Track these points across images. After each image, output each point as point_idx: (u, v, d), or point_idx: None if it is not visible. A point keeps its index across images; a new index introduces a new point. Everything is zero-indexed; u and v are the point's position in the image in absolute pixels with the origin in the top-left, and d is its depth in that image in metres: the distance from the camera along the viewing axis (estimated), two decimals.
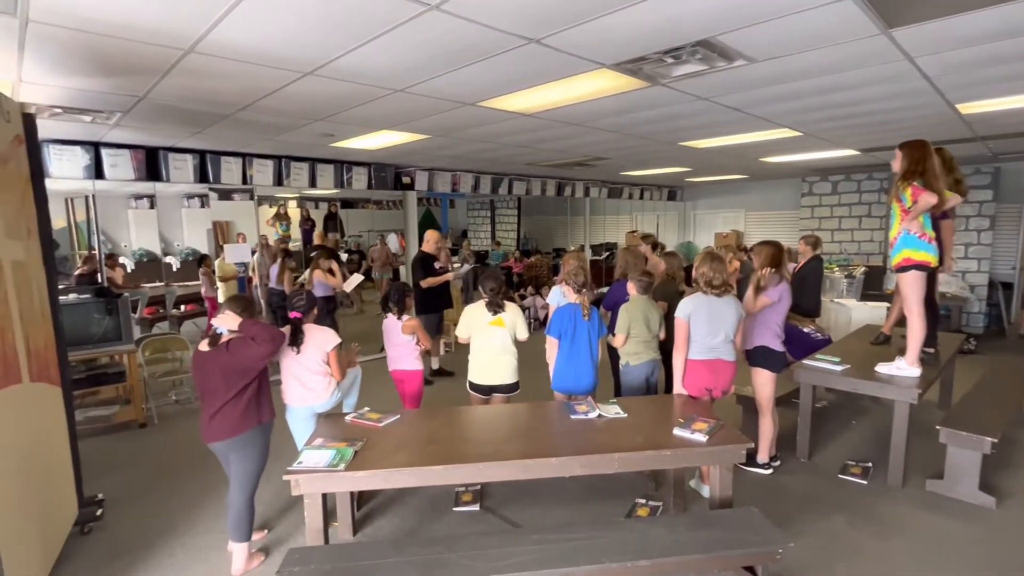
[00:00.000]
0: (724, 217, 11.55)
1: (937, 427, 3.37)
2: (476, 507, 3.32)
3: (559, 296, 3.88)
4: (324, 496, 2.53)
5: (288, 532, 3.12)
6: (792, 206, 10.13)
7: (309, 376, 3.05)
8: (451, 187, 7.91)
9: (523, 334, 3.61)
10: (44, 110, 3.65)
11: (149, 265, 8.01)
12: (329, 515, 2.68)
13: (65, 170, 4.83)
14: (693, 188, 11.83)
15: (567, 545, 2.20)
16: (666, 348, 3.59)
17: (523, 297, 9.25)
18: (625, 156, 6.68)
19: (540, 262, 10.27)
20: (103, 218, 6.92)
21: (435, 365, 6.08)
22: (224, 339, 2.64)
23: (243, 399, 2.64)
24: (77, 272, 6.38)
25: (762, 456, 3.69)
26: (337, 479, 2.42)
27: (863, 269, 7.69)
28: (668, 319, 3.68)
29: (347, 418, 3.03)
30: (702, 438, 2.64)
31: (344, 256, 9.42)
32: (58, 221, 7.14)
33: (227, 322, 2.65)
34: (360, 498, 3.34)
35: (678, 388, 3.33)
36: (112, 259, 6.86)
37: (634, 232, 11.67)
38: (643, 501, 3.31)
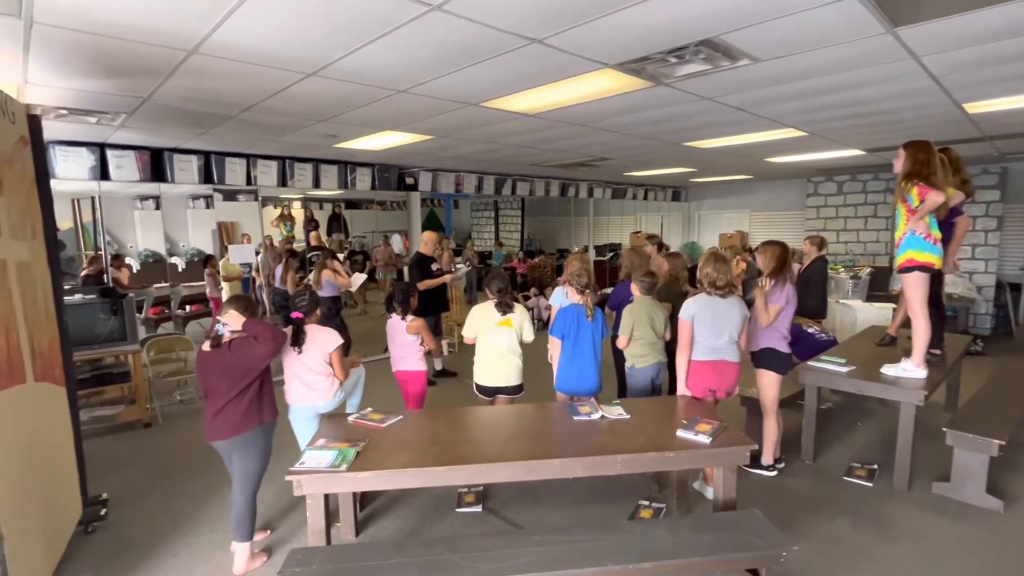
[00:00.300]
0: (728, 218, 11.51)
1: (943, 429, 3.34)
2: (478, 508, 3.31)
3: (561, 297, 3.87)
4: (326, 497, 2.53)
5: (290, 532, 3.12)
6: (797, 207, 10.08)
7: (312, 376, 3.05)
8: (455, 188, 7.91)
9: (529, 336, 3.60)
10: (49, 111, 3.67)
11: (155, 266, 8.04)
12: (331, 516, 2.68)
13: (71, 171, 4.85)
14: (697, 188, 11.80)
15: (570, 547, 2.18)
16: (671, 349, 3.58)
17: (527, 298, 9.24)
18: (629, 156, 6.66)
19: (544, 263, 10.26)
20: (109, 219, 6.97)
21: (438, 366, 6.07)
22: (226, 339, 2.64)
23: (245, 398, 2.65)
24: (83, 273, 6.43)
25: (766, 458, 3.67)
26: (339, 480, 2.42)
27: (869, 270, 7.65)
28: (672, 320, 3.66)
29: (350, 419, 3.03)
30: (706, 440, 2.62)
31: (342, 256, 9.41)
32: (65, 222, 7.18)
33: (230, 322, 2.66)
34: (363, 499, 3.34)
35: (682, 389, 3.31)
36: (118, 260, 6.91)
37: (638, 233, 11.65)
38: (646, 503, 3.29)
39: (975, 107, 4.04)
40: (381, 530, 3.15)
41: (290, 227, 9.73)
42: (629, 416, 2.97)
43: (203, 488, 3.60)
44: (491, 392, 3.60)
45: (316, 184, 6.52)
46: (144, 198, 7.97)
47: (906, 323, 3.92)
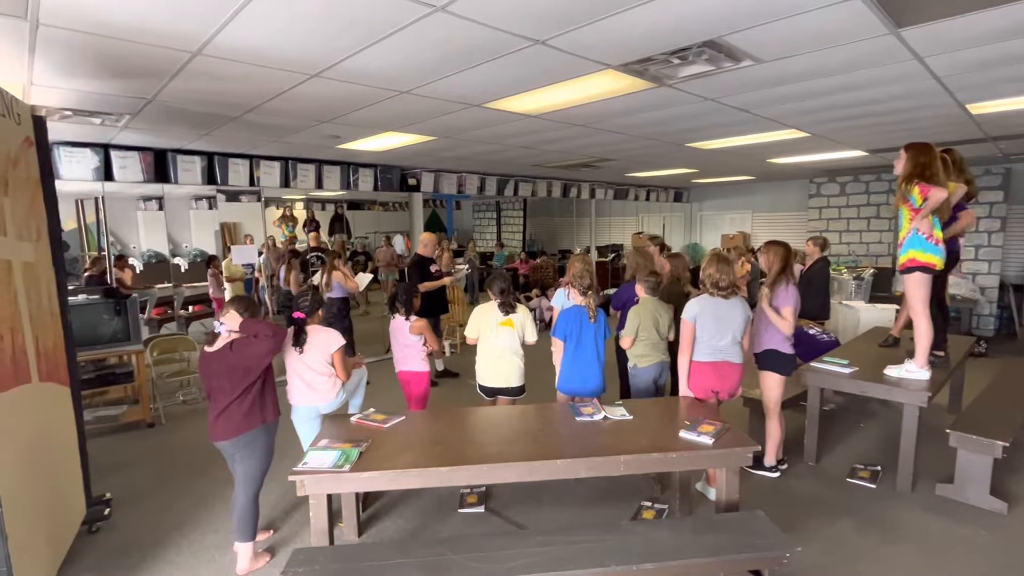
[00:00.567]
0: (731, 219, 11.50)
1: (947, 431, 3.33)
2: (481, 509, 3.31)
3: (563, 298, 3.87)
4: (329, 497, 2.53)
5: (293, 532, 3.13)
6: (800, 207, 10.07)
7: (314, 376, 3.06)
8: (457, 188, 7.92)
9: (531, 337, 3.60)
10: (54, 112, 3.68)
11: (158, 266, 8.08)
12: (334, 516, 2.69)
13: (75, 172, 4.87)
14: (699, 189, 11.79)
15: (572, 547, 2.18)
16: (675, 350, 3.57)
17: (529, 299, 9.24)
18: (631, 157, 6.66)
19: (546, 264, 10.27)
20: (112, 219, 7.00)
21: (440, 367, 6.08)
22: (227, 339, 2.65)
23: (247, 398, 2.65)
24: (86, 273, 6.45)
25: (769, 459, 3.66)
26: (342, 480, 2.43)
27: (871, 271, 7.63)
28: (675, 320, 3.66)
29: (352, 419, 3.04)
30: (708, 440, 2.62)
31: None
32: (68, 223, 7.21)
33: (229, 321, 2.66)
34: (365, 499, 3.35)
35: (684, 390, 3.31)
36: (121, 260, 6.93)
37: (640, 234, 11.65)
38: (648, 504, 3.29)
39: (978, 108, 4.03)
40: (383, 530, 3.16)
41: (292, 228, 9.77)
42: (632, 417, 2.97)
43: (206, 488, 3.61)
44: (492, 393, 3.61)
45: (319, 185, 6.53)
46: (147, 199, 8.01)
47: (909, 324, 3.91)
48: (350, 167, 6.73)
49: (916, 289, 3.37)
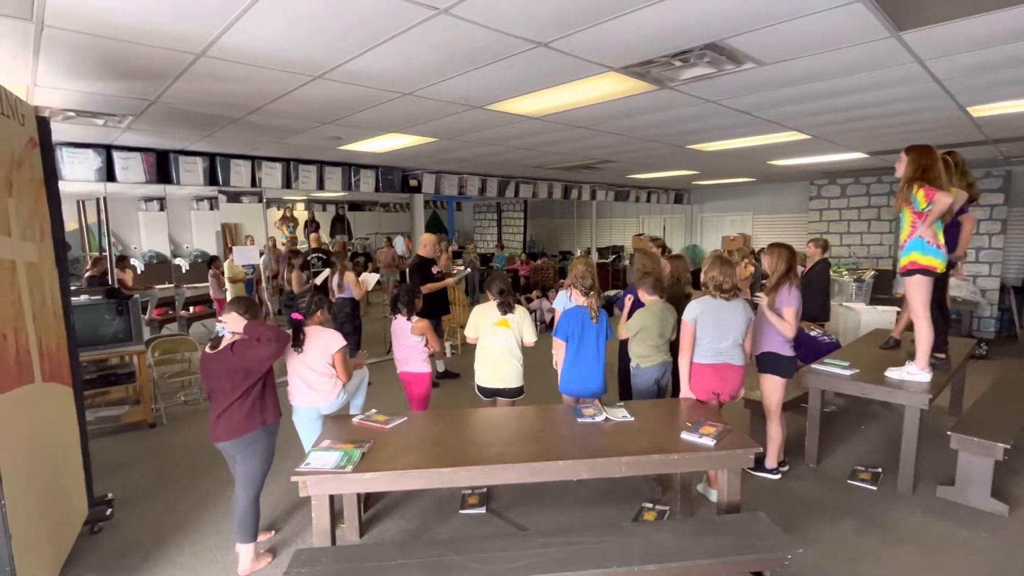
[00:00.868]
0: (731, 220, 11.51)
1: (948, 433, 3.34)
2: (482, 510, 3.32)
3: (565, 300, 3.88)
4: (331, 498, 2.53)
5: (295, 533, 3.13)
6: (800, 209, 10.07)
7: (315, 377, 3.07)
8: (458, 190, 7.93)
9: (530, 338, 3.60)
10: (57, 113, 3.70)
11: (159, 267, 8.09)
12: (336, 517, 2.69)
13: (77, 173, 4.89)
14: (700, 191, 11.80)
15: (573, 549, 2.19)
16: (675, 351, 3.58)
17: (529, 300, 9.24)
18: (632, 159, 6.67)
19: (546, 265, 10.27)
20: (114, 220, 7.00)
21: (441, 368, 6.08)
22: (228, 340, 2.66)
23: (248, 400, 2.66)
24: (87, 274, 6.46)
25: (770, 461, 3.66)
26: (345, 480, 2.43)
27: (872, 273, 7.64)
28: (676, 321, 3.66)
29: (354, 420, 3.04)
30: (710, 442, 2.63)
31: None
32: (70, 223, 7.22)
33: (231, 324, 2.67)
34: (367, 500, 3.35)
35: (685, 392, 3.32)
36: (123, 261, 6.94)
37: (640, 235, 11.66)
38: (650, 505, 3.29)
39: (979, 110, 4.04)
40: (384, 531, 3.16)
41: (293, 228, 9.77)
42: (633, 418, 2.97)
43: (208, 488, 3.61)
44: (491, 393, 3.61)
45: (320, 186, 6.54)
46: (148, 199, 8.03)
47: (910, 326, 3.92)
48: (352, 168, 6.74)
49: (917, 291, 3.38)
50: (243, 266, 7.36)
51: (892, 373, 3.63)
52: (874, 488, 3.53)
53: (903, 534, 3.04)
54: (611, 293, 9.22)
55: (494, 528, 3.16)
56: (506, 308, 3.53)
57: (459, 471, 2.49)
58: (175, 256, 8.30)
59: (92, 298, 4.69)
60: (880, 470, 3.73)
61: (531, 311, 8.79)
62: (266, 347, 2.61)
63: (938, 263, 3.30)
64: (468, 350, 3.69)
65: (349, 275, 5.76)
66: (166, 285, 7.84)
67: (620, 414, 3.01)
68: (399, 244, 10.73)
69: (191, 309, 7.81)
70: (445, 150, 5.74)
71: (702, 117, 4.21)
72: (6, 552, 2.14)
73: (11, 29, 2.28)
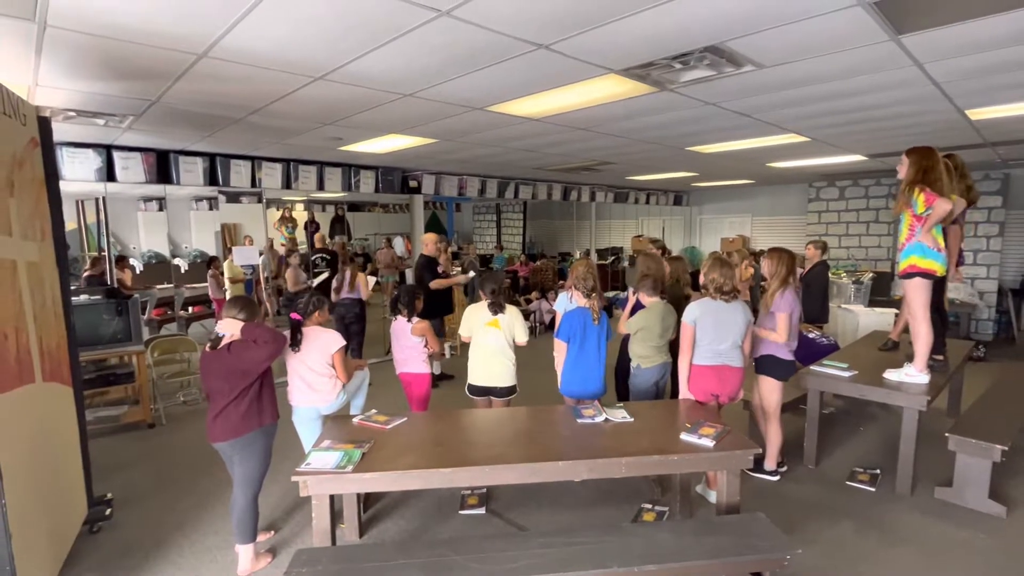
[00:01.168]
0: (730, 222, 11.53)
1: (946, 434, 3.35)
2: (482, 510, 3.32)
3: (565, 302, 3.89)
4: (331, 498, 2.54)
5: (294, 532, 3.14)
6: (799, 211, 10.10)
7: (315, 377, 3.07)
8: (458, 191, 7.94)
9: (521, 338, 3.61)
10: (58, 113, 3.70)
11: (158, 267, 8.09)
12: (335, 517, 2.69)
13: (77, 172, 4.89)
14: (699, 193, 11.82)
15: (573, 549, 2.19)
16: (675, 351, 3.59)
17: (528, 301, 9.25)
18: (632, 161, 6.69)
19: (545, 266, 10.28)
20: (113, 220, 7.00)
21: (437, 370, 6.09)
22: (226, 341, 2.66)
23: (244, 400, 2.65)
24: (86, 273, 6.46)
25: (769, 463, 3.67)
26: (345, 480, 2.44)
27: (871, 275, 7.66)
28: (676, 322, 3.67)
29: (354, 420, 3.05)
30: (709, 443, 2.63)
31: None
32: (69, 223, 7.19)
33: (229, 327, 2.66)
34: (366, 500, 3.35)
35: (684, 393, 3.32)
36: (122, 261, 6.94)
37: (640, 237, 11.68)
38: (649, 506, 3.30)
39: (977, 113, 4.06)
40: (384, 531, 3.16)
41: (292, 229, 9.77)
42: (633, 419, 2.98)
43: (207, 489, 3.61)
44: (482, 392, 3.62)
45: (320, 186, 6.55)
46: (148, 199, 8.03)
47: (908, 328, 3.93)
48: (352, 169, 6.74)
49: (916, 294, 3.39)
50: (242, 267, 7.36)
51: (890, 375, 3.64)
52: (872, 489, 3.54)
53: (902, 535, 3.05)
54: (610, 294, 9.24)
55: (494, 528, 3.16)
56: (496, 308, 3.54)
57: (459, 471, 2.50)
58: (174, 256, 8.29)
59: (92, 298, 4.69)
60: (879, 471, 3.74)
61: (530, 312, 8.81)
62: (262, 349, 2.61)
63: (938, 267, 3.31)
64: (466, 352, 3.70)
65: (361, 276, 5.85)
66: (165, 285, 7.83)
67: (620, 415, 3.02)
68: (398, 245, 10.74)
69: (190, 309, 7.81)
70: (445, 151, 5.75)
71: (702, 119, 4.22)
72: (6, 551, 2.14)
73: (13, 29, 2.28)
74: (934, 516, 3.22)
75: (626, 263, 11.82)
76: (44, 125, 2.90)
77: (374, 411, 3.16)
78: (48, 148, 2.92)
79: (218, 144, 5.17)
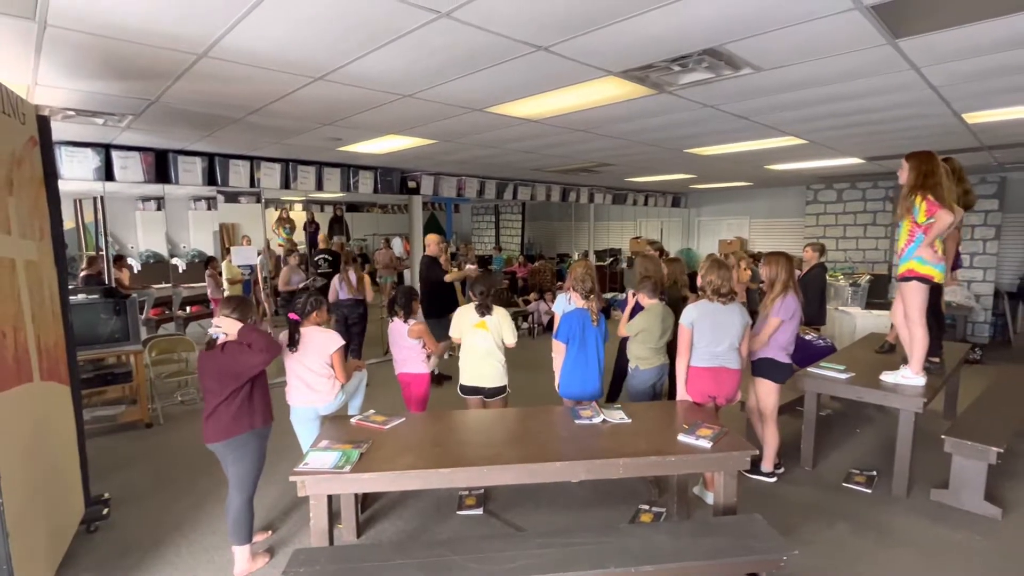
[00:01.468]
0: (728, 224, 11.56)
1: (942, 436, 3.36)
2: (479, 511, 3.32)
3: (564, 303, 3.90)
4: (329, 498, 2.54)
5: (292, 533, 3.14)
6: (797, 214, 10.13)
7: (313, 378, 3.07)
8: (456, 192, 7.95)
9: (510, 339, 3.62)
10: (57, 112, 3.69)
11: (156, 266, 8.06)
12: (333, 517, 2.69)
13: (76, 172, 4.88)
14: (697, 195, 11.85)
15: (570, 550, 2.20)
16: (672, 353, 3.60)
17: (527, 303, 9.26)
18: (630, 162, 6.70)
19: (544, 267, 10.29)
20: (111, 219, 6.98)
21: (435, 370, 6.08)
22: (221, 340, 2.66)
23: (235, 402, 2.64)
24: (84, 273, 6.44)
25: (766, 464, 3.68)
26: (343, 481, 2.44)
27: (868, 277, 7.68)
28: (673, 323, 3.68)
29: (352, 420, 3.05)
30: (706, 444, 2.64)
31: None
32: (67, 222, 7.17)
33: (224, 327, 2.65)
34: (364, 500, 3.35)
35: (681, 394, 3.33)
36: (120, 260, 6.92)
37: (638, 238, 11.69)
38: (646, 507, 3.31)
39: (974, 117, 4.08)
40: (382, 532, 3.17)
41: (289, 231, 9.75)
42: (630, 420, 2.99)
43: (205, 489, 3.60)
44: (472, 392, 3.63)
45: (319, 187, 6.54)
46: (146, 199, 8.00)
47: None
48: (350, 169, 6.74)
49: (913, 296, 3.40)
50: (240, 267, 7.36)
51: (887, 377, 3.65)
52: (869, 491, 3.55)
53: (898, 536, 3.06)
54: (608, 296, 9.25)
55: (491, 529, 3.16)
56: (484, 310, 3.56)
57: (457, 472, 2.50)
58: (172, 256, 8.27)
59: (90, 297, 4.68)
60: (875, 473, 3.75)
61: (529, 313, 8.82)
62: (255, 356, 2.59)
63: (937, 274, 3.32)
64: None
65: (366, 278, 5.91)
66: (163, 285, 7.81)
67: (617, 416, 3.03)
68: (397, 246, 10.73)
69: (188, 309, 7.79)
70: (444, 152, 5.76)
71: (700, 121, 4.24)
72: (3, 551, 2.14)
73: (13, 28, 2.28)
74: (930, 518, 3.24)
75: (624, 264, 11.83)
76: (43, 124, 2.90)
77: (372, 411, 3.16)
78: (47, 147, 2.92)
79: (217, 144, 5.16)
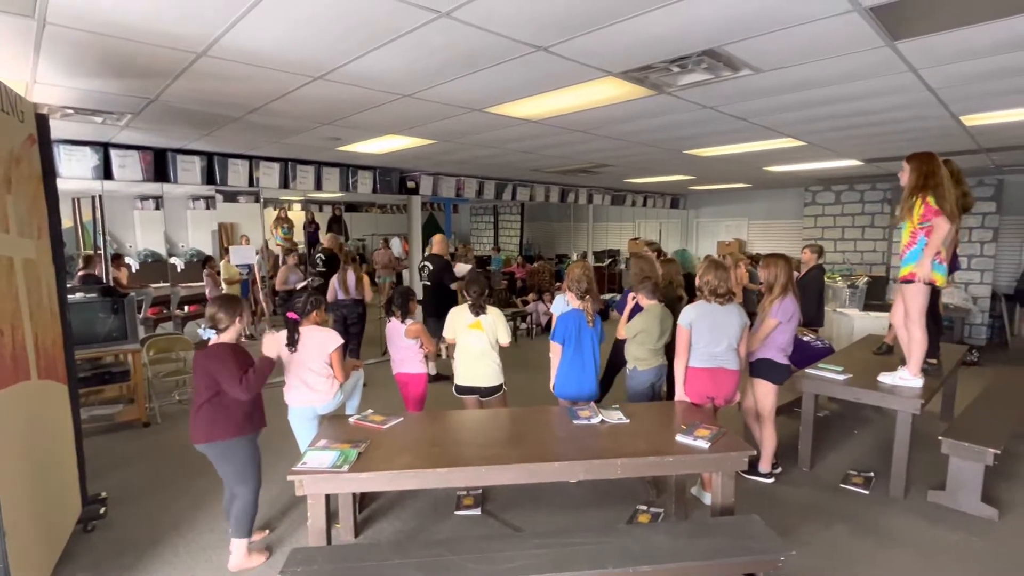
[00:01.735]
0: (727, 226, 11.58)
1: (939, 438, 3.37)
2: (477, 511, 3.32)
3: (562, 304, 3.90)
4: (327, 497, 2.53)
5: (289, 532, 3.13)
6: (795, 215, 10.15)
7: (313, 377, 3.07)
8: (455, 192, 7.95)
9: (504, 339, 3.63)
10: (56, 111, 3.69)
11: (154, 266, 8.04)
12: (331, 517, 2.69)
13: (74, 170, 4.87)
14: (696, 196, 11.86)
15: (568, 550, 2.20)
16: (670, 354, 3.60)
17: (526, 303, 9.26)
18: (630, 163, 6.71)
19: (543, 268, 10.29)
20: (109, 218, 6.97)
21: (432, 371, 6.08)
22: (214, 340, 2.66)
23: (211, 406, 2.63)
24: (81, 272, 6.42)
25: (764, 465, 3.69)
26: (341, 480, 2.44)
27: (866, 279, 7.70)
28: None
29: (351, 420, 3.05)
30: (704, 445, 2.65)
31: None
32: (65, 221, 7.15)
33: (271, 347, 2.75)
34: (362, 500, 3.35)
35: (680, 395, 3.34)
36: (118, 259, 6.90)
37: (636, 239, 11.70)
38: (644, 508, 3.31)
39: (972, 119, 4.09)
40: (380, 532, 3.16)
41: (288, 230, 9.73)
42: (628, 421, 2.99)
43: (203, 488, 3.60)
44: (467, 391, 3.64)
45: (318, 186, 6.54)
46: (144, 198, 7.98)
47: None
48: (349, 169, 6.74)
49: (914, 298, 3.41)
50: (238, 266, 7.34)
51: (885, 378, 3.66)
52: (866, 492, 3.56)
53: (895, 537, 3.06)
54: (607, 296, 9.25)
55: (489, 529, 3.16)
56: (478, 310, 3.56)
57: (455, 472, 2.50)
58: (171, 255, 8.25)
59: (88, 296, 4.67)
60: (872, 474, 3.76)
61: (527, 314, 8.82)
62: (235, 386, 2.57)
63: (938, 276, 3.33)
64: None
65: (365, 278, 5.95)
66: (161, 284, 7.79)
67: (616, 416, 3.03)
68: (396, 246, 10.71)
69: (186, 308, 7.78)
70: (444, 152, 5.76)
71: (699, 123, 4.25)
72: (0, 549, 2.13)
73: (13, 26, 2.28)
74: (927, 519, 3.24)
75: (623, 265, 11.85)
76: (42, 122, 2.89)
77: (370, 411, 3.16)
78: (45, 145, 2.91)
79: (216, 143, 5.16)
